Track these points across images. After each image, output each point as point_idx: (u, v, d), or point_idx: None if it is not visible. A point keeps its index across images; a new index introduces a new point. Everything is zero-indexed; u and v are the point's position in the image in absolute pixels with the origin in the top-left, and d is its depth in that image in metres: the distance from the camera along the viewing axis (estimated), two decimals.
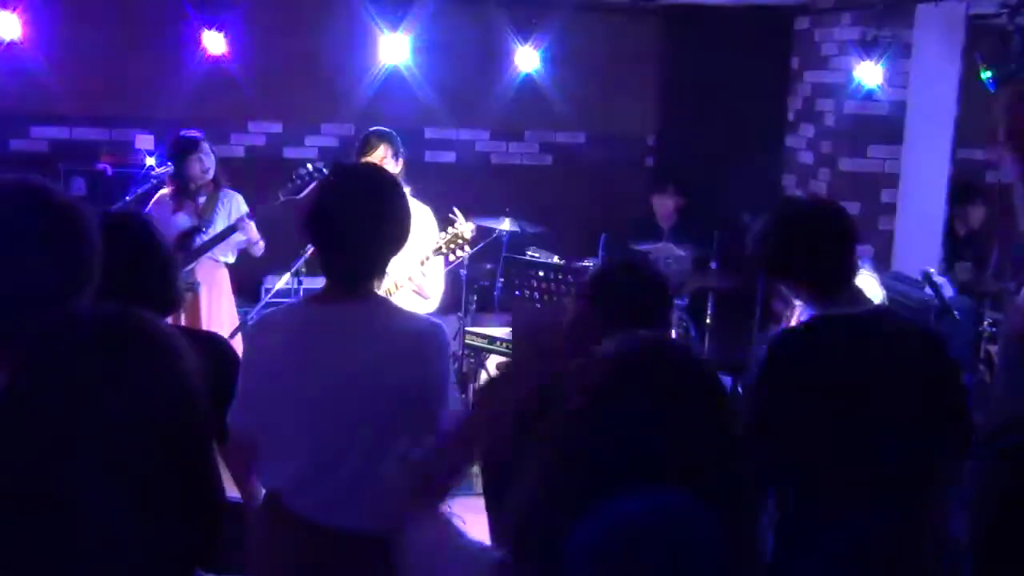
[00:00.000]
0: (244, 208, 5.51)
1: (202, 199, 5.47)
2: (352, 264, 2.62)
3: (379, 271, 2.67)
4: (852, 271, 2.83)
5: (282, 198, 5.14)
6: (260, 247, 5.49)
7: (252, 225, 5.35)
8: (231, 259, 5.56)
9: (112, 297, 1.52)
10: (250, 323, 4.11)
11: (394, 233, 2.65)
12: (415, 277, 4.63)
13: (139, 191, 5.32)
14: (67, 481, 1.21)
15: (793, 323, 4.40)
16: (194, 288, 5.18)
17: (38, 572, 1.22)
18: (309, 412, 2.57)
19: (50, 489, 1.21)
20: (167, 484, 1.25)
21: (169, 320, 3.19)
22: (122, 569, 1.23)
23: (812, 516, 2.72)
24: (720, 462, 1.49)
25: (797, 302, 4.21)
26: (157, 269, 2.73)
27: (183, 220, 5.35)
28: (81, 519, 1.21)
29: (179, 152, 5.40)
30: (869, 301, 2.90)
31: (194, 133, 5.49)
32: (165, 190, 5.43)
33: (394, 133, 4.89)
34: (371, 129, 4.93)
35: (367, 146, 4.80)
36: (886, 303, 3.68)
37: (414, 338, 2.60)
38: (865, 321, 2.76)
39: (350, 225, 2.59)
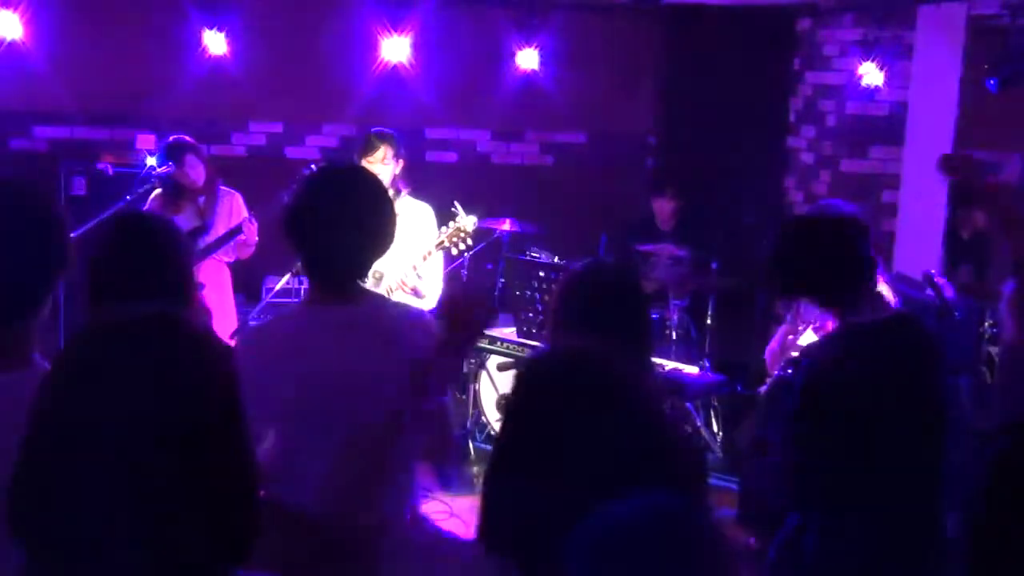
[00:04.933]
0: (243, 208, 5.51)
1: (201, 199, 5.48)
2: (333, 265, 2.60)
3: (362, 271, 2.65)
4: (872, 277, 2.82)
5: (285, 199, 5.10)
6: (251, 250, 5.47)
7: (255, 228, 5.35)
8: (231, 258, 5.57)
9: (134, 296, 1.53)
10: (242, 336, 4.11)
11: (376, 232, 2.62)
12: (409, 279, 4.62)
13: (140, 191, 5.31)
14: (100, 474, 1.21)
15: (799, 327, 4.41)
16: (199, 288, 5.17)
17: (66, 567, 1.23)
18: (313, 417, 2.56)
19: (86, 486, 1.21)
20: (204, 482, 1.26)
21: None
22: (158, 566, 1.23)
23: (824, 519, 2.73)
24: (654, 464, 1.51)
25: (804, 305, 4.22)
26: (179, 269, 2.76)
27: (184, 222, 5.33)
28: (114, 520, 1.21)
29: (168, 160, 5.37)
30: (885, 302, 2.91)
31: (184, 140, 5.44)
32: (158, 190, 5.37)
33: (394, 134, 4.90)
34: (372, 130, 4.94)
35: (368, 147, 4.81)
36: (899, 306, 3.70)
37: (406, 332, 2.61)
38: (888, 329, 2.77)
39: (328, 226, 2.57)
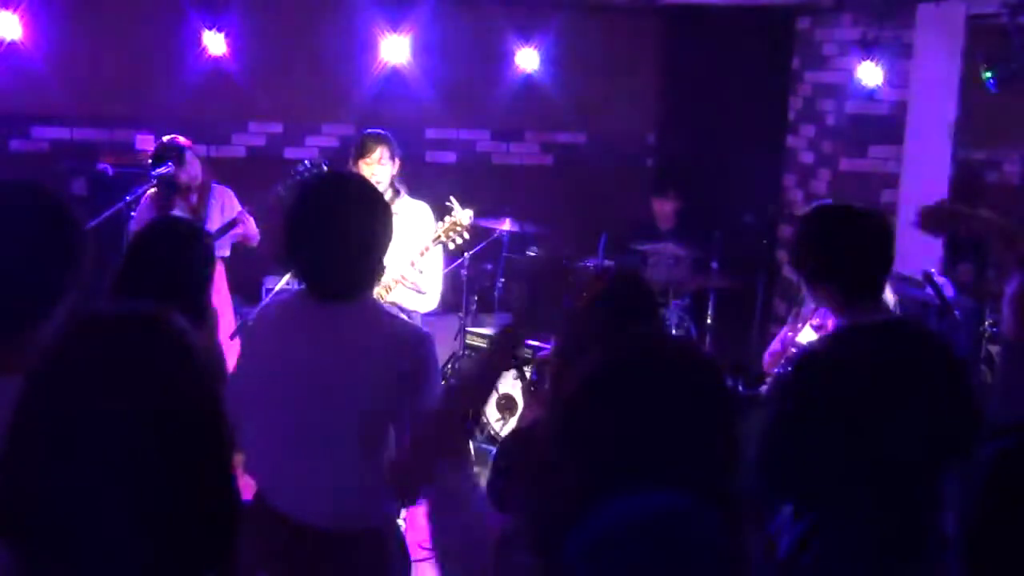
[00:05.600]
0: (236, 203, 5.51)
1: (194, 197, 5.48)
2: (332, 275, 2.60)
3: (367, 274, 2.63)
4: (884, 282, 2.84)
5: (282, 193, 5.12)
6: (255, 240, 5.50)
7: (251, 220, 5.36)
8: (226, 253, 5.56)
9: (146, 297, 1.53)
10: (256, 312, 4.20)
11: (370, 240, 2.60)
12: (408, 275, 4.62)
13: (140, 191, 5.31)
14: (82, 475, 1.21)
15: (798, 325, 4.41)
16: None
17: (49, 566, 1.23)
18: (290, 410, 2.57)
19: (66, 482, 1.22)
20: (183, 480, 1.26)
21: None
22: (133, 570, 1.23)
23: (826, 517, 2.73)
24: (715, 459, 1.50)
25: (808, 303, 4.23)
26: (198, 276, 2.81)
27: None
28: (93, 517, 1.21)
29: (164, 162, 5.37)
30: (888, 308, 2.93)
31: (178, 140, 5.44)
32: (153, 190, 5.38)
33: (389, 134, 4.90)
34: (367, 131, 4.93)
35: (364, 148, 4.81)
36: (897, 308, 3.71)
37: (398, 344, 2.59)
38: (890, 330, 2.78)
39: (322, 241, 2.56)
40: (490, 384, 2.07)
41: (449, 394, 2.18)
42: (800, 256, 2.90)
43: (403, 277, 4.62)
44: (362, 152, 4.78)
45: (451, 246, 4.78)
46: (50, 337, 1.31)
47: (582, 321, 2.48)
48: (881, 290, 2.85)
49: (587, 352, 1.61)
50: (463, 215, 4.69)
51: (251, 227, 5.40)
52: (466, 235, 4.74)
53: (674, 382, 1.53)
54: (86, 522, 1.21)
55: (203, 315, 2.85)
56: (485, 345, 5.83)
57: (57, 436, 1.22)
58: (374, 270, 2.64)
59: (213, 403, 1.33)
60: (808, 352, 2.94)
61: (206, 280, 2.89)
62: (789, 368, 2.84)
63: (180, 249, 2.84)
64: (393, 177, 4.82)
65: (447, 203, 4.75)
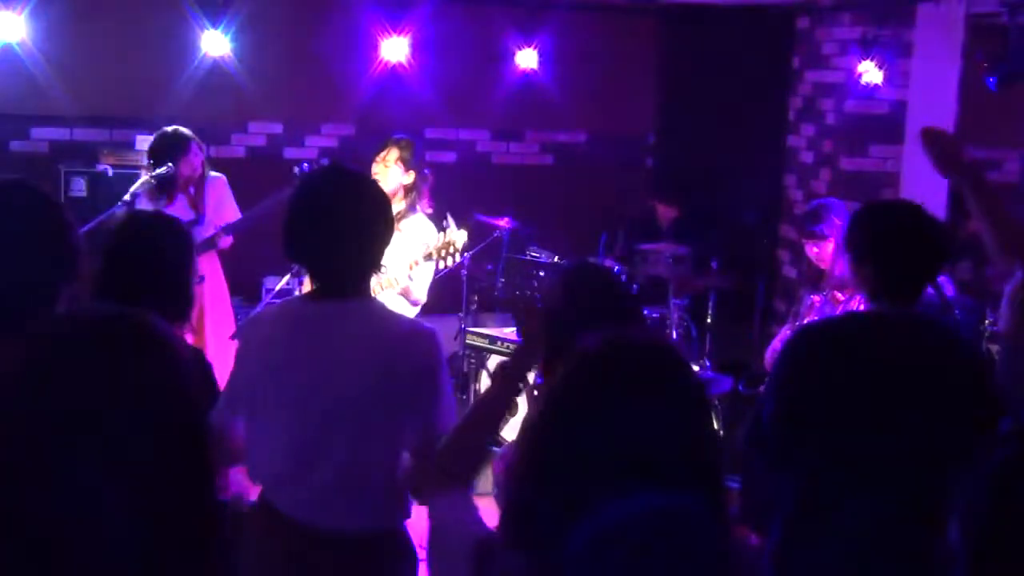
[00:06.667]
0: (228, 192, 5.55)
1: (192, 188, 5.48)
2: (329, 268, 2.61)
3: (364, 269, 2.63)
4: (922, 287, 2.89)
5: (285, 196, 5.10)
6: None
7: (229, 240, 5.40)
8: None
9: (129, 297, 1.53)
10: (243, 322, 4.14)
11: (367, 230, 2.61)
12: (401, 280, 4.51)
13: (139, 192, 5.30)
14: (62, 481, 1.20)
15: (797, 323, 4.42)
16: (200, 280, 5.17)
17: (33, 571, 1.22)
18: (293, 409, 2.56)
19: (44, 489, 1.20)
20: (163, 485, 1.25)
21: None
22: (117, 569, 1.22)
23: (822, 504, 2.73)
24: (690, 454, 1.50)
25: (807, 301, 4.24)
26: (180, 271, 2.78)
27: (178, 213, 5.29)
28: (76, 519, 1.20)
29: (170, 152, 5.32)
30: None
31: (182, 131, 5.42)
32: (149, 185, 5.25)
33: (414, 143, 4.85)
34: (395, 135, 4.88)
35: (380, 147, 4.79)
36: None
37: (403, 340, 2.59)
38: (906, 323, 2.79)
39: (318, 233, 2.57)
40: (499, 415, 2.09)
41: (461, 426, 2.23)
42: (852, 236, 2.94)
43: (396, 282, 4.52)
44: (378, 151, 4.78)
45: (441, 265, 4.55)
46: (25, 338, 1.29)
47: (545, 326, 2.47)
48: (917, 293, 2.87)
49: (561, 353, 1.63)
50: (458, 236, 4.45)
51: (226, 244, 5.40)
52: (458, 257, 4.52)
53: (645, 381, 1.54)
54: (69, 523, 1.20)
55: (185, 315, 2.82)
56: (486, 346, 5.84)
57: (34, 438, 1.21)
58: (370, 264, 2.64)
59: (196, 405, 1.32)
60: (813, 325, 2.95)
61: (187, 278, 2.85)
62: (792, 338, 2.86)
63: (156, 246, 2.80)
64: (405, 189, 4.74)
65: (444, 222, 4.56)
